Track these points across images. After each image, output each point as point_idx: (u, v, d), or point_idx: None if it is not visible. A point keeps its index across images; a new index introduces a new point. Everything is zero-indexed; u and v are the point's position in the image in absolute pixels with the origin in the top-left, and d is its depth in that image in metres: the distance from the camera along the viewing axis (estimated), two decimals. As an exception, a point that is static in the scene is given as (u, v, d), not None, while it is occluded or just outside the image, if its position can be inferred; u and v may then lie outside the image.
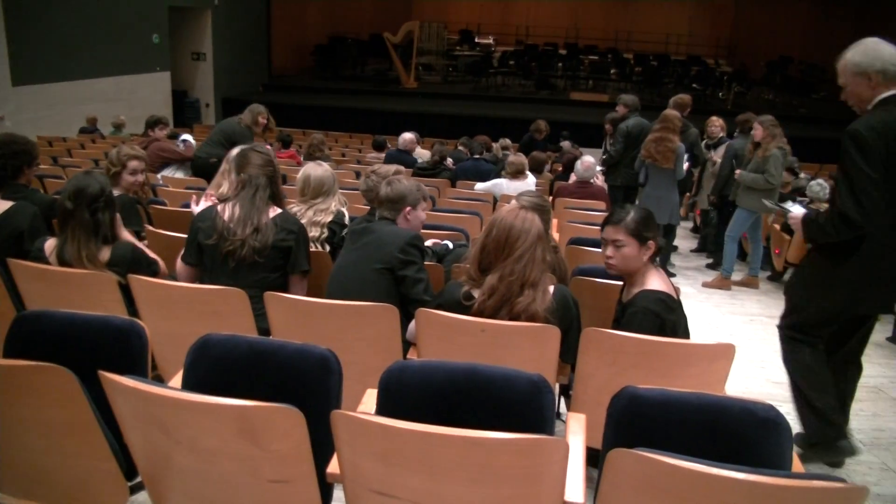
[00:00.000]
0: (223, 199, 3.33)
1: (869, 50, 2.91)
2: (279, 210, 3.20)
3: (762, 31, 21.98)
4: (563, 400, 3.23)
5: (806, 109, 18.09)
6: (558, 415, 2.94)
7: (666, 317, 2.62)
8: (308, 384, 2.09)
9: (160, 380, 2.94)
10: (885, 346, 5.22)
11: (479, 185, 6.92)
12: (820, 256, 3.20)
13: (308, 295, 3.17)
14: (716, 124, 8.20)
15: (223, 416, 1.76)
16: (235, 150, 3.59)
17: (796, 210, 3.35)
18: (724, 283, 6.65)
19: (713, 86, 18.65)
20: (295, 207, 3.80)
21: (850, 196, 2.86)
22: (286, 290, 3.18)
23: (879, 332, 5.36)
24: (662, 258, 6.68)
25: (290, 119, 14.83)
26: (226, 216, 3.08)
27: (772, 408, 1.93)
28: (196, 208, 3.69)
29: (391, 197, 3.22)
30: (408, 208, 3.24)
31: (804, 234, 3.15)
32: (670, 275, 5.59)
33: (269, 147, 9.18)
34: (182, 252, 3.23)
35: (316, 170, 3.88)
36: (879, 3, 18.71)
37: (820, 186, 6.99)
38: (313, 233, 3.74)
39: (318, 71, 19.95)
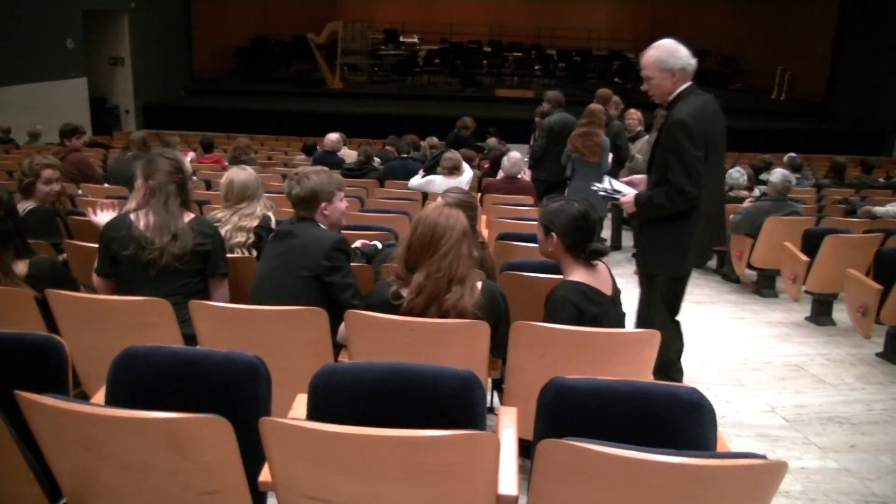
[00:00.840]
0: (136, 208, 3.22)
1: (672, 50, 3.43)
2: (192, 215, 3.16)
3: (679, 26, 22.55)
4: (496, 394, 3.26)
5: (723, 100, 18.56)
6: (492, 409, 2.97)
7: (585, 308, 2.68)
8: (236, 392, 2.06)
9: (84, 397, 2.85)
10: (804, 326, 5.44)
11: (413, 182, 6.93)
12: (652, 230, 3.65)
13: (234, 301, 3.12)
14: (633, 117, 8.13)
15: (150, 431, 1.72)
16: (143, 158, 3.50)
17: (627, 191, 3.68)
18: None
19: (635, 79, 19.03)
20: (219, 213, 3.73)
21: (683, 173, 3.38)
22: (207, 295, 3.14)
23: (847, 336, 5.58)
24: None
25: (214, 123, 14.57)
26: (141, 225, 3.01)
27: (695, 390, 1.99)
28: (95, 218, 3.59)
29: (303, 196, 3.10)
30: (323, 204, 3.13)
31: (640, 213, 3.61)
32: None
33: (192, 153, 9.05)
34: (96, 265, 3.14)
35: (239, 174, 3.82)
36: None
37: (739, 173, 7.23)
38: (239, 238, 3.67)
39: (242, 73, 19.64)
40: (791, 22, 19.22)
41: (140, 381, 2.08)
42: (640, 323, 3.83)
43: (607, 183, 3.77)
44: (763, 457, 1.67)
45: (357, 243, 3.77)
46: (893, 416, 3.94)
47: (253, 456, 1.84)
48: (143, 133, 7.49)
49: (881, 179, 9.74)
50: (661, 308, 3.76)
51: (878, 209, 6.63)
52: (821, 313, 5.57)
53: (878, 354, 4.84)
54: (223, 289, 3.20)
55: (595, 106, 6.88)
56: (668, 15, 23.31)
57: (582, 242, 2.80)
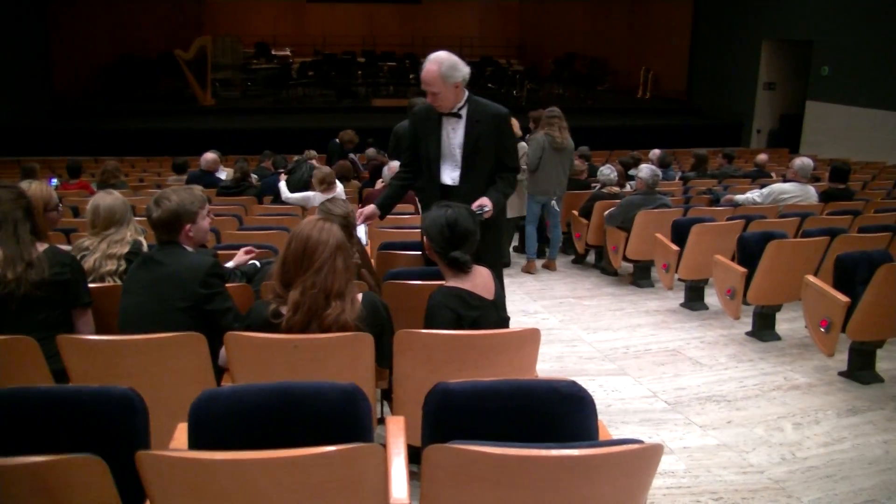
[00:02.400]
0: None
1: (453, 64, 3.68)
2: (46, 245, 3.00)
3: (547, 30, 23.32)
4: (386, 404, 3.26)
5: (593, 101, 19.38)
6: (382, 420, 2.96)
7: (463, 312, 2.71)
8: (111, 428, 1.97)
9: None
10: (679, 312, 5.70)
11: (291, 197, 6.85)
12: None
13: (108, 333, 2.98)
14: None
15: (13, 477, 1.63)
16: None
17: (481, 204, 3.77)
18: (530, 266, 7.03)
19: (507, 84, 19.51)
20: (86, 241, 3.55)
21: (516, 158, 4.06)
22: (72, 327, 2.99)
23: (719, 319, 5.85)
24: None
25: (80, 146, 13.85)
26: None
27: (574, 383, 2.05)
28: None
29: (165, 218, 2.92)
30: (187, 226, 2.96)
31: (496, 206, 3.78)
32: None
33: (55, 179, 8.59)
34: None
35: (105, 199, 3.64)
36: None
37: (610, 170, 7.50)
38: (109, 266, 3.49)
39: (108, 93, 18.79)
40: (651, 24, 20.20)
41: (4, 425, 1.96)
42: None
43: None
44: (640, 441, 1.75)
45: (231, 263, 3.68)
46: (764, 390, 4.19)
47: (133, 493, 1.76)
48: (115, 162, 7.14)
49: (741, 169, 10.34)
50: None
51: (739, 197, 7.03)
52: (693, 299, 5.86)
53: (747, 333, 5.14)
54: (87, 319, 3.06)
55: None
56: (535, 20, 24.06)
57: (447, 250, 2.80)
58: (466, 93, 3.83)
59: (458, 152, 3.87)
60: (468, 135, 3.83)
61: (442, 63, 3.66)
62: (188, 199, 2.99)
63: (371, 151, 10.21)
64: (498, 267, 3.91)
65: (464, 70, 3.73)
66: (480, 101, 3.91)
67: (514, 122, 6.99)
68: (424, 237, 2.88)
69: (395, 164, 6.80)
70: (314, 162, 8.44)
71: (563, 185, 6.92)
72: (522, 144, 6.70)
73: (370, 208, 3.94)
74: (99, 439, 1.92)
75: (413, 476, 2.01)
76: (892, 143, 12.95)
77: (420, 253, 4.14)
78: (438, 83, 3.68)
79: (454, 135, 3.87)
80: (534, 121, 7.59)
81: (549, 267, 7.14)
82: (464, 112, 3.83)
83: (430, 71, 3.67)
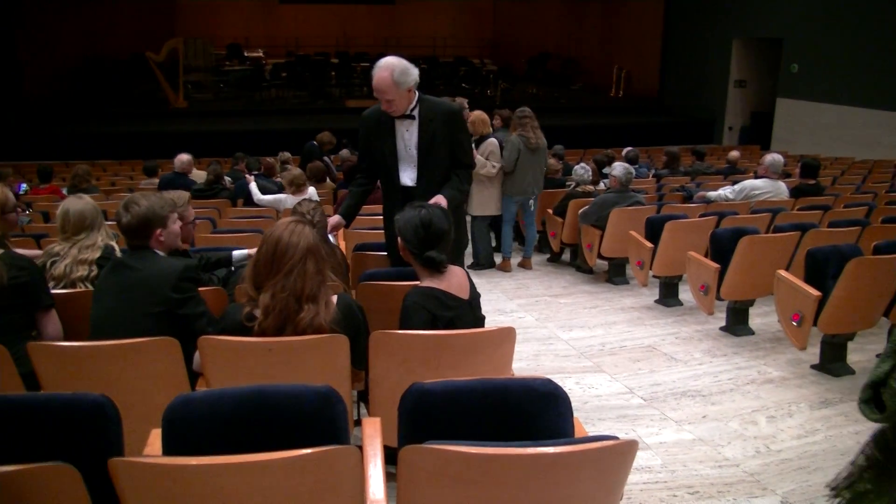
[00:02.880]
0: None
1: (404, 69, 3.69)
2: (1, 249, 2.99)
3: (521, 30, 23.39)
4: (363, 406, 3.25)
5: (566, 100, 19.48)
6: (359, 422, 2.95)
7: (438, 312, 2.71)
8: (83, 436, 1.95)
9: None
10: (654, 308, 5.75)
11: (263, 198, 6.81)
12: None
13: (75, 339, 2.95)
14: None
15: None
16: None
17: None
18: (505, 265, 7.06)
19: (481, 84, 19.54)
20: (57, 247, 3.51)
21: (471, 154, 4.14)
22: (38, 330, 2.97)
23: (693, 315, 5.89)
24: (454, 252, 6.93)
25: (50, 150, 13.66)
26: None
27: (549, 381, 2.06)
28: None
29: (134, 224, 2.89)
30: (158, 230, 2.94)
31: (451, 203, 3.72)
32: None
33: (24, 184, 8.47)
34: None
35: (75, 203, 3.59)
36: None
37: (584, 170, 7.54)
38: (80, 272, 3.45)
39: (78, 96, 18.55)
40: (623, 24, 20.34)
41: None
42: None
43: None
44: (615, 438, 1.76)
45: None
46: (738, 384, 4.23)
47: (107, 501, 1.74)
48: (86, 166, 7.06)
49: (713, 166, 10.44)
50: None
51: (711, 194, 7.10)
52: (668, 295, 5.90)
53: (721, 329, 5.19)
54: (52, 320, 3.02)
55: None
56: (508, 20, 24.11)
57: (422, 249, 2.80)
58: (417, 93, 3.85)
59: (414, 153, 3.91)
60: (423, 134, 3.86)
61: (394, 70, 3.67)
62: (158, 205, 2.97)
63: (345, 153, 10.18)
64: (459, 263, 3.83)
65: (414, 73, 3.76)
66: (431, 99, 3.94)
67: (484, 118, 7.08)
68: (399, 238, 2.87)
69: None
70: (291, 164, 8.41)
71: (539, 184, 6.96)
72: (493, 141, 6.71)
73: (335, 219, 3.96)
74: (71, 447, 1.90)
75: (390, 477, 2.01)
76: (859, 138, 13.15)
77: (385, 253, 4.16)
78: (392, 90, 3.70)
79: (409, 136, 3.89)
80: (500, 119, 7.61)
81: (524, 265, 7.17)
82: (416, 112, 3.86)
83: (382, 79, 3.67)
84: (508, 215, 6.98)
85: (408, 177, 3.95)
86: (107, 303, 2.86)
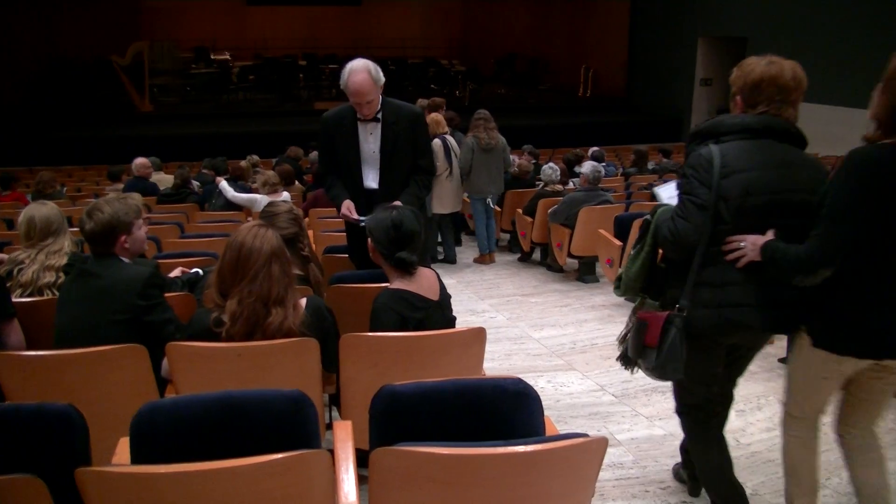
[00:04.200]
0: None
1: (375, 67, 3.67)
2: None
3: (489, 30, 23.45)
4: (335, 409, 3.24)
5: (534, 100, 19.57)
6: (330, 425, 2.94)
7: (408, 314, 2.71)
8: (49, 446, 1.92)
9: None
10: (624, 305, 5.78)
11: (238, 196, 6.78)
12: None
13: (42, 348, 2.90)
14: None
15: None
16: None
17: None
18: (484, 258, 7.33)
19: (450, 85, 19.55)
20: (22, 254, 3.45)
21: (431, 160, 4.14)
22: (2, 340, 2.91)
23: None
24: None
25: (12, 156, 13.42)
26: None
27: (520, 381, 2.07)
28: None
29: (98, 231, 2.84)
30: (122, 237, 2.89)
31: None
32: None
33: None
34: None
35: (40, 209, 3.54)
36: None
37: (552, 170, 7.57)
38: (47, 278, 3.39)
39: (42, 101, 18.22)
40: (589, 23, 20.48)
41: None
42: None
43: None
44: (585, 435, 1.77)
45: (175, 271, 3.61)
46: (706, 379, 4.28)
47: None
48: (50, 172, 6.95)
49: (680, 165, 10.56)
50: None
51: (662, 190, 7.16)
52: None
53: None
54: (13, 329, 2.96)
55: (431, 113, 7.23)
56: (476, 21, 24.16)
57: (392, 251, 2.80)
58: (380, 97, 3.84)
59: (378, 155, 3.89)
60: (386, 137, 3.85)
61: (370, 69, 3.66)
62: (122, 210, 2.92)
63: (314, 155, 10.12)
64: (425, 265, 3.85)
65: (381, 72, 3.77)
66: (394, 102, 3.92)
67: (438, 119, 7.24)
68: (369, 239, 2.87)
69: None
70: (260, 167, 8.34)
71: (497, 182, 7.23)
72: (437, 142, 6.99)
73: (348, 203, 3.87)
74: (37, 458, 1.87)
75: (363, 480, 2.00)
76: (822, 135, 13.32)
77: (347, 256, 4.15)
78: (374, 90, 3.69)
79: (371, 139, 3.88)
80: (448, 120, 7.77)
81: (489, 259, 7.40)
82: (380, 115, 3.84)
83: (363, 80, 3.64)
84: (478, 214, 7.22)
85: (371, 179, 3.94)
86: (71, 311, 2.81)
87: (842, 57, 12.93)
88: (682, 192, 2.46)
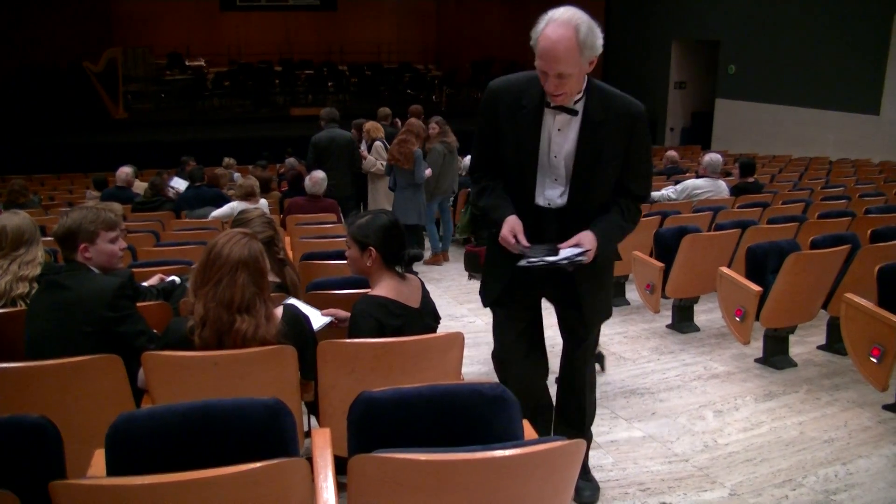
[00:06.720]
0: None
1: (593, 27, 2.54)
2: None
3: (464, 35, 23.47)
4: (314, 417, 3.22)
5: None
6: (309, 433, 2.93)
7: (386, 321, 2.70)
8: (22, 459, 1.88)
9: None
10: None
11: (217, 213, 6.74)
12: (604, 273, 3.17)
13: (15, 359, 2.86)
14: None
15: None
16: None
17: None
18: (436, 259, 7.57)
19: (426, 90, 19.58)
20: (-6, 265, 3.40)
21: (648, 182, 2.91)
22: None
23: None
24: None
25: (-19, 166, 13.27)
26: None
27: (498, 385, 2.07)
28: None
29: (60, 234, 2.78)
30: (82, 245, 2.79)
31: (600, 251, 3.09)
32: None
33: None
34: None
35: (11, 219, 3.48)
36: (561, 3, 20.71)
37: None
38: (20, 289, 3.33)
39: (13, 108, 17.99)
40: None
41: None
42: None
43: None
44: (563, 439, 1.78)
45: (154, 279, 3.57)
46: (685, 380, 4.31)
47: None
48: (21, 180, 6.87)
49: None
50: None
51: (655, 194, 7.22)
52: (615, 295, 5.96)
53: (667, 326, 5.29)
54: None
55: (412, 119, 7.58)
56: (451, 26, 24.18)
57: (397, 251, 2.83)
58: (586, 77, 2.60)
59: (562, 163, 2.67)
60: (584, 141, 2.61)
61: (579, 26, 2.41)
62: (88, 219, 2.84)
63: (291, 161, 10.11)
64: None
65: (601, 39, 2.51)
66: (608, 90, 2.67)
67: (378, 126, 7.60)
68: (371, 247, 2.80)
69: (317, 175, 6.77)
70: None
71: (456, 181, 7.79)
72: (378, 144, 7.70)
73: (512, 221, 2.65)
74: (10, 472, 1.84)
75: (342, 488, 1.99)
76: (795, 137, 13.55)
77: (333, 262, 4.11)
78: (573, 59, 2.40)
79: (561, 138, 2.64)
80: (366, 131, 8.09)
81: (443, 259, 7.65)
82: (581, 107, 2.60)
83: (563, 40, 2.38)
84: (432, 214, 7.63)
85: (548, 194, 2.71)
86: (41, 324, 2.76)
87: (813, 60, 13.10)
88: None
